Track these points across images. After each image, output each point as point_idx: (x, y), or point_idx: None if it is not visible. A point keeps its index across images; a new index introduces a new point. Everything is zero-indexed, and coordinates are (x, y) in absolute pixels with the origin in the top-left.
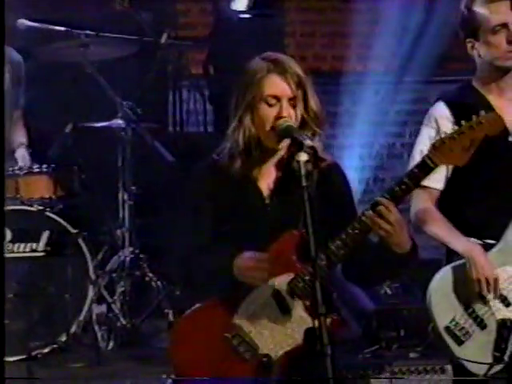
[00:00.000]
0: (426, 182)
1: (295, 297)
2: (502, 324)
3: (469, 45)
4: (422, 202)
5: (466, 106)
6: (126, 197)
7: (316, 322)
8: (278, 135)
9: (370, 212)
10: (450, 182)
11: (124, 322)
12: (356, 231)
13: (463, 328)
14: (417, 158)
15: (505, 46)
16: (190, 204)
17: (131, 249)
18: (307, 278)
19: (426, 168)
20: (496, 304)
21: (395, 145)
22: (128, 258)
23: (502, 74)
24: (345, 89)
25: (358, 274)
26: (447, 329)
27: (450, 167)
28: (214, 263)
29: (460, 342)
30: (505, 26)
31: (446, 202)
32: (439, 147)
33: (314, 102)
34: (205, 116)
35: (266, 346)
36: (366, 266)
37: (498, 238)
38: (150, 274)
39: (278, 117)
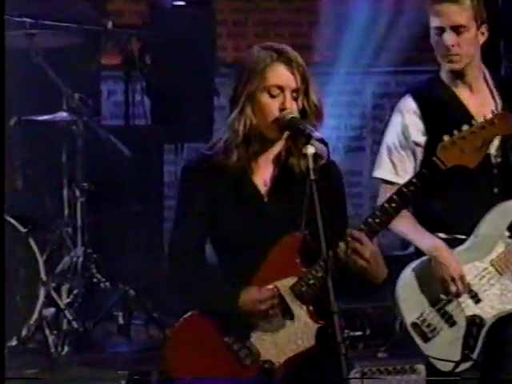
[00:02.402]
0: (393, 178)
1: (299, 301)
2: (471, 321)
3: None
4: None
5: (433, 98)
6: (77, 193)
7: (320, 322)
8: (281, 127)
9: (343, 246)
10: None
11: (76, 326)
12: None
13: (430, 324)
14: (384, 154)
15: (442, 47)
16: (181, 203)
17: (83, 248)
18: (311, 281)
19: (436, 169)
20: (465, 300)
21: (331, 138)
22: (80, 259)
23: (463, 77)
24: None
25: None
26: (414, 325)
27: (418, 160)
28: (216, 291)
29: (427, 339)
30: (442, 29)
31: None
32: (449, 147)
33: (315, 95)
34: (134, 107)
35: (267, 352)
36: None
37: (468, 234)
38: (99, 275)
39: (282, 109)
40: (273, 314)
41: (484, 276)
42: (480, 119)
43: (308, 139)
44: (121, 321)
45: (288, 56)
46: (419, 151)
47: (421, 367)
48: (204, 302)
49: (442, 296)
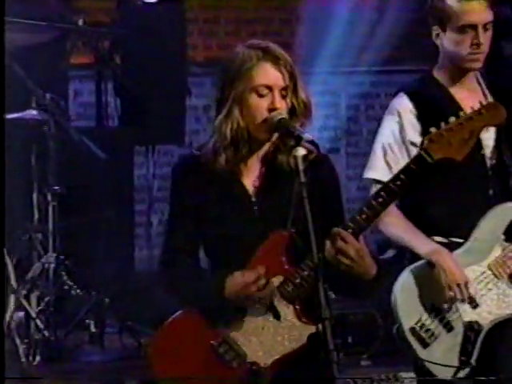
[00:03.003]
0: (384, 178)
1: (285, 301)
2: (469, 327)
3: (434, 32)
4: None
5: (428, 97)
6: (49, 197)
7: (306, 322)
8: (270, 128)
9: (328, 245)
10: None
11: (47, 335)
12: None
13: (429, 330)
14: (378, 155)
15: (468, 47)
16: (172, 206)
17: (55, 255)
18: (297, 281)
19: (423, 163)
20: (463, 306)
21: None
22: (52, 265)
23: (462, 71)
24: None
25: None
26: (412, 330)
27: None
28: (202, 283)
29: (425, 345)
30: (473, 27)
31: (409, 199)
32: (436, 140)
33: (303, 92)
34: (103, 108)
35: (254, 354)
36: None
37: (464, 237)
38: (70, 282)
39: (271, 109)
40: (260, 296)
41: (481, 280)
42: None
43: (298, 141)
44: (93, 329)
45: (274, 54)
46: (415, 151)
47: (405, 375)
48: (194, 298)
49: (445, 303)
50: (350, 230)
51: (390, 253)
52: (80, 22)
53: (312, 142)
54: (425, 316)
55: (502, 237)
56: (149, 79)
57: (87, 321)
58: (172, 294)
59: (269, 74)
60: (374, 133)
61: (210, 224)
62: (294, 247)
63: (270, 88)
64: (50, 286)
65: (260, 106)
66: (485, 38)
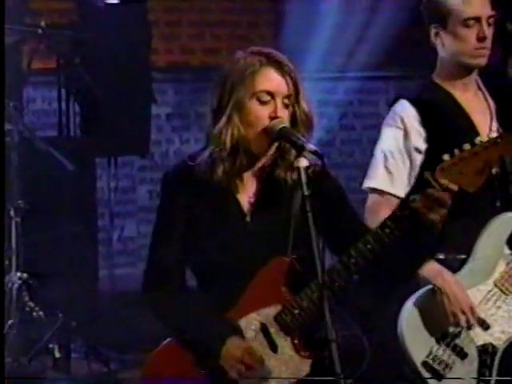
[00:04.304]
0: (388, 188)
1: (282, 332)
2: (483, 350)
3: (433, 31)
4: (379, 211)
5: (431, 103)
6: (11, 213)
7: (305, 355)
8: (270, 138)
9: (418, 197)
10: (413, 189)
11: (10, 361)
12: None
13: (442, 361)
14: (379, 162)
15: (474, 41)
16: (161, 222)
17: (19, 274)
18: (296, 311)
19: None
20: (474, 329)
21: None
22: (15, 285)
23: (467, 70)
24: None
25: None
26: (425, 364)
27: (414, 173)
28: (201, 327)
29: (440, 377)
30: (478, 20)
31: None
32: (448, 168)
33: (305, 103)
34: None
35: None
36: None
37: (465, 253)
38: (32, 304)
39: (272, 117)
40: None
41: (489, 299)
42: (481, 125)
43: (300, 151)
44: (57, 354)
45: (278, 59)
46: (418, 158)
47: None
48: (184, 331)
49: (452, 329)
50: (352, 260)
51: None
52: (42, 24)
53: (316, 153)
54: (435, 347)
55: (505, 250)
56: (111, 85)
57: (51, 345)
58: (161, 321)
59: (272, 80)
60: (348, 143)
61: (199, 242)
62: (294, 274)
63: (272, 95)
64: (13, 307)
65: (261, 113)
66: (489, 32)
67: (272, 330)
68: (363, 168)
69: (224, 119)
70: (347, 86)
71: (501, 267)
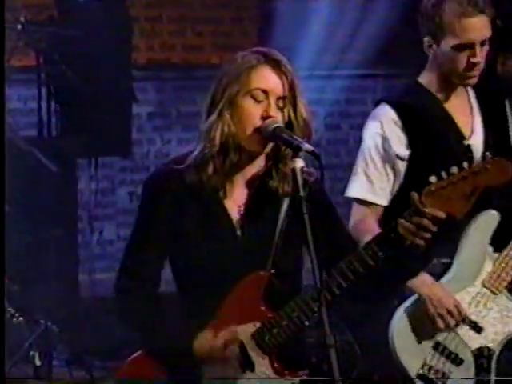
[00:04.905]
0: (369, 197)
1: (260, 351)
2: (479, 354)
3: (426, 43)
4: (363, 219)
5: (413, 107)
6: None
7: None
8: (264, 137)
9: (406, 224)
10: (396, 198)
11: None
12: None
13: (438, 370)
14: (359, 170)
15: (465, 64)
16: (139, 223)
17: None
18: (275, 330)
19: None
20: (467, 333)
21: None
22: None
23: (455, 84)
24: (198, 85)
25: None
26: (421, 377)
27: (398, 182)
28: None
29: None
30: (471, 45)
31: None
32: (435, 192)
33: (303, 107)
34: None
35: None
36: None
37: (449, 256)
38: (11, 310)
39: (265, 116)
40: (229, 362)
41: (479, 301)
42: (466, 128)
43: (296, 151)
44: (38, 362)
45: (276, 59)
46: (401, 165)
47: None
48: (154, 338)
49: (442, 336)
50: (335, 282)
51: None
52: (22, 19)
53: (313, 153)
54: (429, 356)
55: (490, 249)
56: (91, 82)
57: (31, 352)
58: (130, 326)
59: (267, 79)
60: (334, 143)
61: (183, 250)
62: (273, 290)
63: (266, 93)
64: None
65: (253, 111)
66: (482, 55)
67: (248, 348)
68: (350, 169)
69: (215, 115)
70: (333, 85)
71: (488, 267)
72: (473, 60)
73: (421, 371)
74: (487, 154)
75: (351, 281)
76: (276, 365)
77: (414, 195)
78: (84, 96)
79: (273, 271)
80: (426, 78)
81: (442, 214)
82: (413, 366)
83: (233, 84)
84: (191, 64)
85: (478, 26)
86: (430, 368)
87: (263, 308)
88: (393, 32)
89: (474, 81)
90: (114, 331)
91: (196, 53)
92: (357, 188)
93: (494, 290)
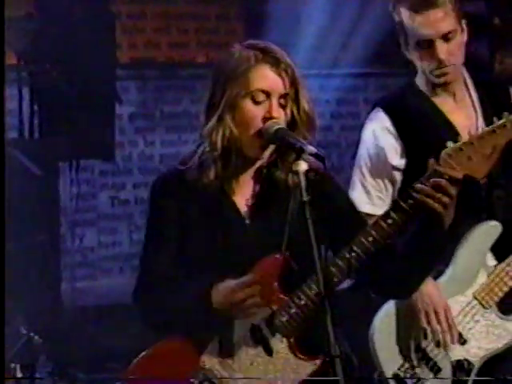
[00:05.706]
0: (367, 209)
1: (278, 334)
2: (458, 366)
3: (404, 49)
4: None
5: (410, 113)
6: None
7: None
8: (265, 140)
9: (421, 186)
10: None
11: None
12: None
13: (415, 374)
14: (356, 180)
15: (433, 63)
16: (150, 227)
17: None
18: (293, 311)
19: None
20: (447, 341)
21: None
22: None
23: (447, 87)
24: (183, 84)
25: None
26: (396, 377)
27: (396, 191)
28: (182, 298)
29: None
30: (429, 42)
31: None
32: (454, 154)
33: (306, 102)
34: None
35: None
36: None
37: (445, 263)
38: None
39: (267, 118)
40: (252, 304)
41: (468, 312)
42: (466, 131)
43: (299, 154)
44: (19, 374)
45: (275, 55)
46: (398, 175)
47: None
48: (178, 320)
49: (425, 339)
50: (353, 254)
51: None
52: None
53: (317, 156)
54: (408, 358)
55: (489, 261)
56: (73, 84)
57: (12, 365)
58: (153, 317)
59: (267, 78)
60: (324, 146)
61: (196, 248)
62: (289, 273)
63: (267, 94)
64: None
65: (255, 113)
66: (447, 51)
67: (266, 331)
68: (341, 172)
69: (215, 118)
70: (324, 84)
71: (482, 278)
72: (438, 56)
73: (397, 372)
74: (505, 112)
75: (370, 252)
76: (296, 348)
77: (431, 160)
78: (65, 96)
79: (288, 253)
80: (420, 80)
81: (459, 174)
82: (390, 365)
83: (232, 85)
84: (175, 62)
85: (432, 21)
86: (407, 370)
87: (279, 290)
88: (386, 31)
89: (445, 79)
90: (98, 342)
91: (181, 50)
92: (355, 200)
93: (484, 303)
